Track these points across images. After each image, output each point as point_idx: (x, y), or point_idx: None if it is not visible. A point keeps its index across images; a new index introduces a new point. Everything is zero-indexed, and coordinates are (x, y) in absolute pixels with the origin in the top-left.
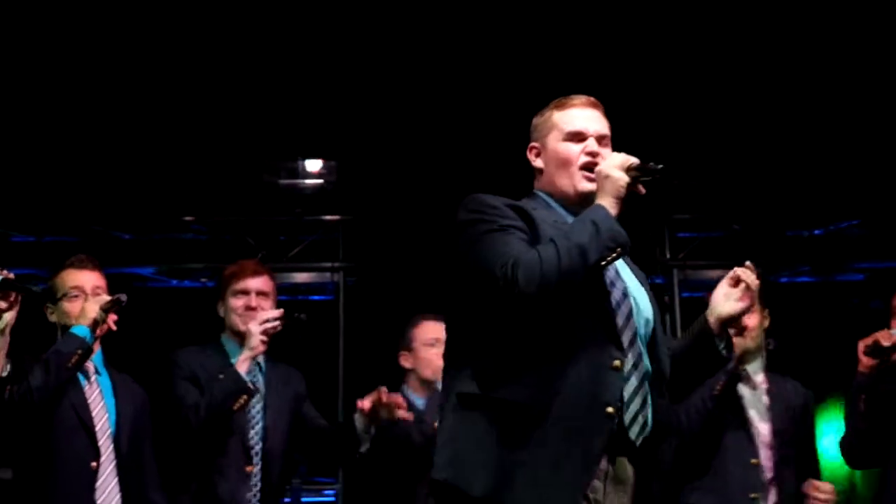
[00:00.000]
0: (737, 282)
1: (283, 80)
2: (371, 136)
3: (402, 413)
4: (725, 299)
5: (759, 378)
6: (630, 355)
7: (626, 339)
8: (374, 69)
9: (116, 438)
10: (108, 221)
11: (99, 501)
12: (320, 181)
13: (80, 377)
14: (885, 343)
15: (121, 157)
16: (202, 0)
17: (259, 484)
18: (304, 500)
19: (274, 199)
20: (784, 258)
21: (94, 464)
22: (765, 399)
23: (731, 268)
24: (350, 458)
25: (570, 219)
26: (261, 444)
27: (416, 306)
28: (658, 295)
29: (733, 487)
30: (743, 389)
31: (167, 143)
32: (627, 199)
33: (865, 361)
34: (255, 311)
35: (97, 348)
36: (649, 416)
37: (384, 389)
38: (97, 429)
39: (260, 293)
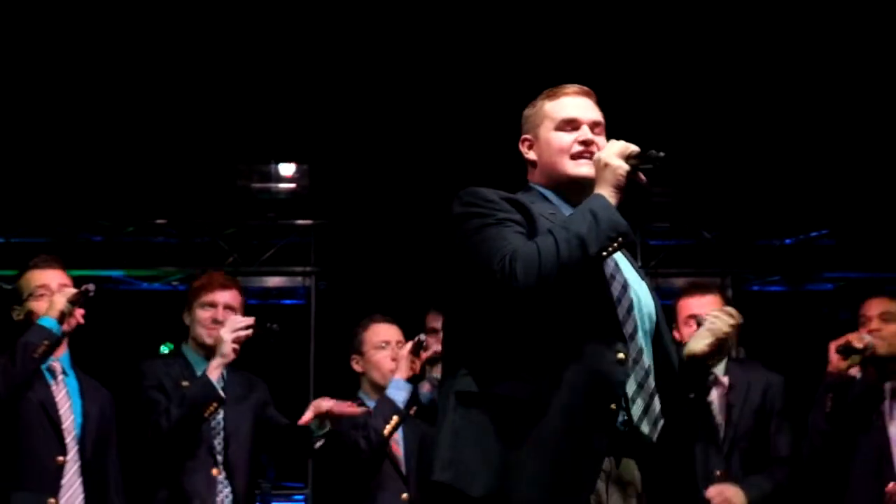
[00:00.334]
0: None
1: (256, 83)
2: (344, 140)
3: (352, 409)
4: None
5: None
6: (631, 350)
7: (626, 333)
8: (347, 74)
9: (81, 440)
10: (80, 223)
11: (63, 500)
12: (293, 185)
13: (48, 376)
14: (857, 345)
15: (93, 158)
16: (176, 4)
17: (228, 488)
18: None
19: (246, 203)
20: (755, 267)
21: (60, 459)
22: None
23: (703, 276)
24: (306, 454)
25: (566, 210)
26: (224, 451)
27: (387, 311)
28: None
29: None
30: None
31: (140, 145)
32: (628, 189)
33: (835, 362)
34: (221, 325)
35: (65, 348)
36: (659, 411)
37: (329, 405)
38: (64, 427)
39: (227, 307)
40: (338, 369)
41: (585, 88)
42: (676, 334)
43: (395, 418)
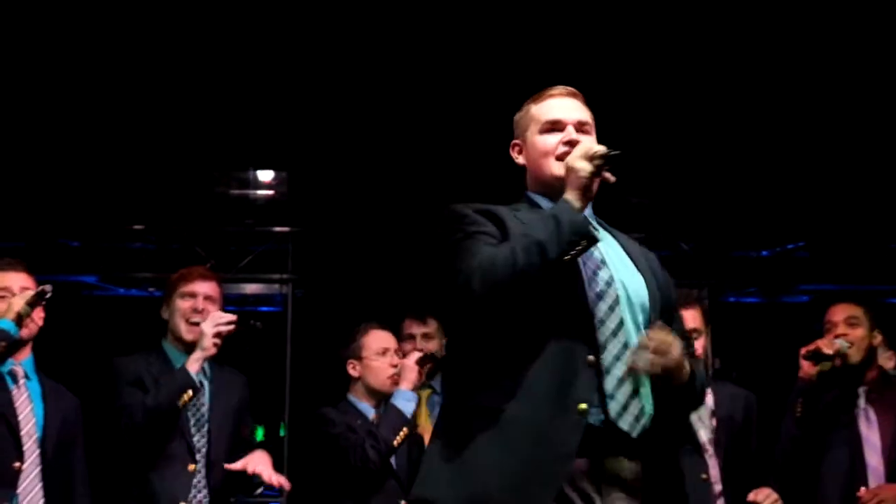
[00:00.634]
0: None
1: (235, 90)
2: (322, 148)
3: (280, 482)
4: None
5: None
6: (611, 347)
7: (606, 331)
8: (327, 81)
9: (42, 443)
10: (56, 228)
11: None
12: (271, 192)
13: (9, 381)
14: (827, 350)
15: (70, 164)
16: (153, 12)
17: (203, 484)
18: None
19: (224, 210)
20: (731, 279)
21: (17, 464)
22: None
23: (680, 287)
24: (244, 492)
25: None
26: (206, 447)
27: (364, 319)
28: None
29: None
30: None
31: (118, 151)
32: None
33: (806, 367)
34: (201, 314)
35: (29, 352)
36: (646, 406)
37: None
38: (23, 432)
39: (207, 297)
40: (314, 376)
41: (571, 89)
42: None
43: (404, 429)
